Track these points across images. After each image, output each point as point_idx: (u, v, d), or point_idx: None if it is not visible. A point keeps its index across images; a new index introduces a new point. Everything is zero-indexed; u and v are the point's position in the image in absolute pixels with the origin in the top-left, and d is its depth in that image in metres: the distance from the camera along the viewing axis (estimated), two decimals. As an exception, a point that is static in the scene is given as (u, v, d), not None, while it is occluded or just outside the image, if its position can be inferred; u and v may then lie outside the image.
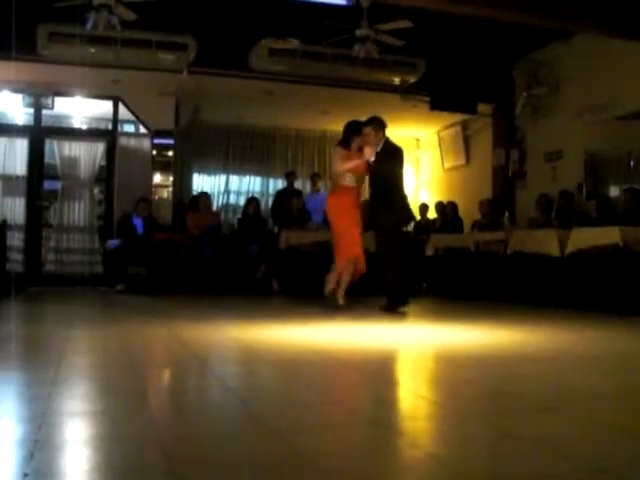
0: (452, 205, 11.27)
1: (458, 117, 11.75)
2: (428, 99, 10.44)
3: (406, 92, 10.30)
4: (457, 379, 3.36)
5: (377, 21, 8.66)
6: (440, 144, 12.95)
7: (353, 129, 7.07)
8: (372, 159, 6.78)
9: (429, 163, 13.64)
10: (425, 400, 2.90)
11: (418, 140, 13.83)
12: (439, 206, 11.66)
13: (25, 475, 1.74)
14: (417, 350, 4.60)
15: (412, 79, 9.91)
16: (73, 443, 2.13)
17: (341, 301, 7.03)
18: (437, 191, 13.14)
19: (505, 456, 1.98)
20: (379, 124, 6.94)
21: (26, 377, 3.32)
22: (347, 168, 6.93)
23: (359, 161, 6.87)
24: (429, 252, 10.28)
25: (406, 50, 9.17)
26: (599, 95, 9.10)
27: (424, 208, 12.09)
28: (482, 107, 10.85)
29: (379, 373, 3.68)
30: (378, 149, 6.84)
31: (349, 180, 7.00)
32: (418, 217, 12.14)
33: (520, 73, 10.38)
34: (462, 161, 12.34)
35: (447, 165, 12.81)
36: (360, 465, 1.90)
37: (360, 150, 6.94)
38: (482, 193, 10.93)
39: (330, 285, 7.11)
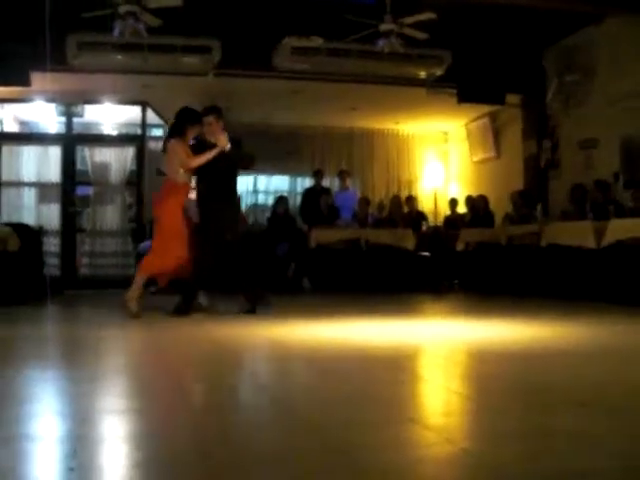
0: (482, 199, 11.17)
1: (486, 109, 11.66)
2: (455, 92, 10.37)
3: (433, 85, 10.25)
4: (489, 374, 3.35)
5: (401, 15, 8.63)
6: (469, 137, 12.86)
7: (190, 118, 6.37)
8: (228, 147, 6.25)
9: (458, 156, 13.54)
10: (458, 395, 2.90)
11: (446, 133, 13.75)
12: (469, 200, 11.55)
13: (71, 469, 1.79)
14: (449, 346, 4.59)
15: (438, 72, 9.83)
16: (114, 440, 2.18)
17: (135, 307, 6.11)
18: (466, 185, 13.05)
19: (540, 451, 1.97)
20: (220, 113, 6.46)
21: (66, 376, 3.39)
22: (201, 163, 6.20)
23: (213, 153, 6.17)
24: (460, 247, 10.22)
25: (431, 43, 9.09)
26: (635, 80, 8.85)
27: (454, 202, 12.01)
28: (511, 97, 10.75)
29: (411, 369, 3.70)
30: None
31: (182, 176, 6.28)
32: (448, 212, 12.12)
33: (551, 60, 10.24)
34: (492, 153, 12.23)
35: (476, 158, 12.72)
36: (396, 460, 1.91)
37: (197, 142, 6.37)
38: (513, 185, 10.81)
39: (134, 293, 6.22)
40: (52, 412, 2.59)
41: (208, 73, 9.46)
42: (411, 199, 12.10)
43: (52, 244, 10.48)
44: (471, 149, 12.78)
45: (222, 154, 6.22)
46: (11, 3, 8.33)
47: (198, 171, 6.32)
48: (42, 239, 9.41)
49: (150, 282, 9.51)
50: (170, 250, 6.14)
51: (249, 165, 6.88)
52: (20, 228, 8.36)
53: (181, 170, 6.21)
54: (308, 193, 11.48)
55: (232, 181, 6.56)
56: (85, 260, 10.89)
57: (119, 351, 4.52)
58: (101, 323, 6.00)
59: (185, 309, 6.17)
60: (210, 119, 6.31)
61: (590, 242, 7.63)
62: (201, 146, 6.36)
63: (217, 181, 6.34)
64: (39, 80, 8.88)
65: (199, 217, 6.48)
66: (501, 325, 5.56)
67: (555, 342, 4.54)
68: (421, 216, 11.88)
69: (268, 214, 11.44)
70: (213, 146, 6.27)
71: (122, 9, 7.91)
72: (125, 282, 6.70)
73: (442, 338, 4.98)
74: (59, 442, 2.11)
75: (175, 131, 6.38)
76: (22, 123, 11.35)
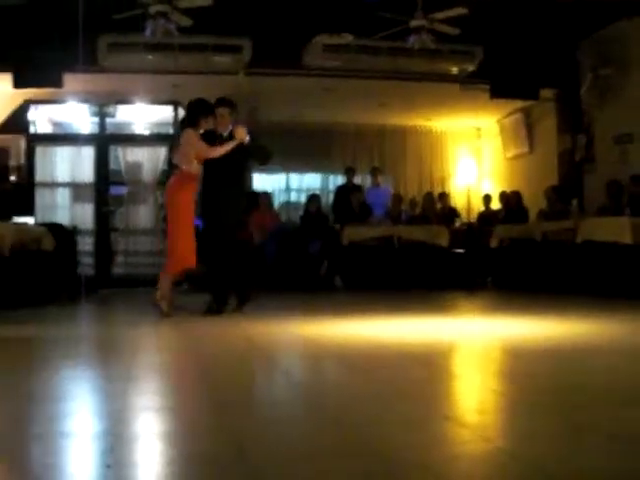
0: (516, 195, 11.08)
1: (519, 104, 11.54)
2: (488, 87, 10.27)
3: (465, 81, 10.16)
4: (525, 372, 3.31)
5: (432, 10, 8.57)
6: (502, 133, 12.74)
7: (203, 109, 6.27)
8: (247, 139, 6.20)
9: (491, 153, 13.43)
10: (492, 393, 2.88)
11: (479, 129, 13.64)
12: (502, 196, 11.48)
13: (108, 466, 1.80)
14: (483, 343, 4.55)
15: (470, 67, 9.75)
16: (150, 437, 2.19)
17: (166, 306, 6.06)
18: (500, 181, 12.94)
19: (575, 451, 1.93)
20: (234, 106, 6.39)
21: (102, 374, 3.42)
22: (221, 153, 6.09)
23: (232, 144, 6.11)
24: (494, 244, 10.13)
25: (463, 38, 9.02)
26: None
27: (487, 199, 11.93)
28: (545, 92, 10.61)
29: (446, 366, 3.68)
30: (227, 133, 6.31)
31: (196, 167, 6.14)
32: (482, 208, 12.03)
33: (585, 54, 10.09)
34: (525, 149, 12.11)
35: (509, 154, 12.60)
36: (431, 458, 1.89)
37: (207, 132, 6.24)
38: (547, 181, 10.68)
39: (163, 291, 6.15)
40: (88, 410, 2.61)
41: (239, 72, 9.48)
42: (444, 196, 12.04)
43: (86, 243, 10.58)
44: (504, 145, 12.67)
45: (239, 147, 6.16)
46: (43, 6, 8.42)
47: (206, 163, 6.21)
48: (76, 238, 9.51)
49: (183, 280, 9.58)
50: (189, 244, 6.08)
51: (266, 159, 6.80)
52: (54, 228, 8.46)
53: (195, 161, 6.12)
54: (340, 191, 11.45)
55: (241, 175, 6.53)
56: (119, 259, 11.00)
57: (152, 350, 4.54)
58: (134, 322, 6.03)
59: (217, 308, 6.17)
60: (223, 111, 6.26)
61: (627, 238, 7.50)
62: (211, 137, 6.25)
63: (226, 174, 6.21)
64: (71, 81, 8.98)
65: (201, 210, 6.42)
66: (535, 322, 5.49)
67: (589, 339, 4.46)
68: (454, 213, 11.81)
69: (300, 212, 11.45)
70: (223, 138, 6.22)
71: (153, 9, 7.96)
72: (158, 280, 6.73)
73: (476, 335, 4.93)
74: (96, 439, 2.12)
75: (189, 122, 6.27)
76: (55, 124, 11.46)
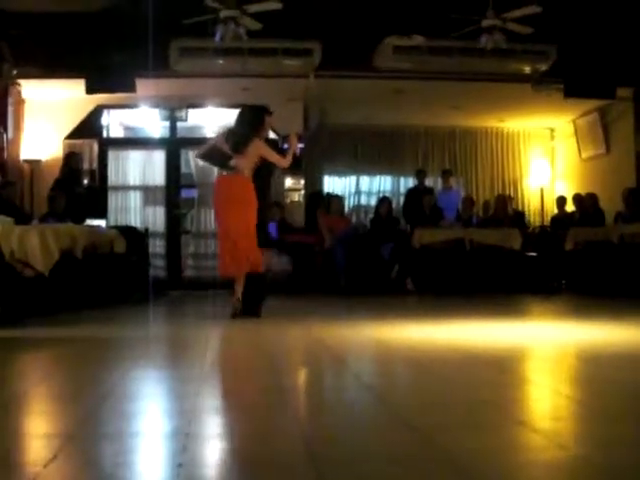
0: (592, 197, 10.79)
1: (595, 103, 11.24)
2: (562, 87, 10.04)
3: (538, 82, 9.94)
4: (601, 378, 3.22)
5: (504, 9, 8.42)
6: (576, 133, 12.44)
7: (263, 118, 6.25)
8: (298, 152, 6.40)
9: (565, 154, 13.13)
10: (569, 399, 2.80)
11: (552, 130, 13.35)
12: (576, 198, 11.20)
13: (179, 465, 1.79)
14: (558, 348, 4.45)
15: (544, 67, 9.55)
16: (221, 438, 2.19)
17: (239, 307, 6.01)
18: (574, 183, 12.63)
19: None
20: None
21: (174, 375, 3.45)
22: (289, 164, 6.25)
23: (291, 155, 6.17)
24: (568, 247, 9.89)
25: (536, 37, 8.85)
26: None
27: (561, 201, 11.66)
28: (622, 91, 10.31)
29: (520, 371, 3.62)
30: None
31: (249, 173, 6.10)
32: (556, 211, 11.77)
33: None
34: (601, 150, 11.80)
35: (585, 155, 12.29)
36: (504, 464, 1.85)
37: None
38: (624, 183, 10.38)
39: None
40: (163, 410, 2.63)
41: (309, 75, 9.50)
42: (509, 199, 11.82)
43: (157, 246, 10.77)
44: (579, 146, 12.36)
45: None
46: (114, 12, 8.60)
47: None
48: (147, 241, 9.66)
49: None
50: (253, 254, 6.07)
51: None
52: (126, 230, 8.62)
53: (250, 166, 6.07)
54: (411, 193, 11.37)
55: (269, 180, 6.65)
56: (190, 261, 11.15)
57: (222, 351, 4.55)
58: (203, 324, 6.07)
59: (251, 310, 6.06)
60: (270, 120, 6.34)
61: None
62: None
63: (263, 181, 6.27)
64: (143, 86, 9.14)
65: None
66: (610, 327, 5.33)
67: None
68: (520, 216, 11.57)
69: (371, 215, 11.40)
70: None
71: (222, 14, 8.06)
72: (229, 283, 6.72)
73: (549, 340, 4.82)
74: (169, 438, 2.13)
75: (256, 131, 6.17)
76: (127, 128, 11.70)
